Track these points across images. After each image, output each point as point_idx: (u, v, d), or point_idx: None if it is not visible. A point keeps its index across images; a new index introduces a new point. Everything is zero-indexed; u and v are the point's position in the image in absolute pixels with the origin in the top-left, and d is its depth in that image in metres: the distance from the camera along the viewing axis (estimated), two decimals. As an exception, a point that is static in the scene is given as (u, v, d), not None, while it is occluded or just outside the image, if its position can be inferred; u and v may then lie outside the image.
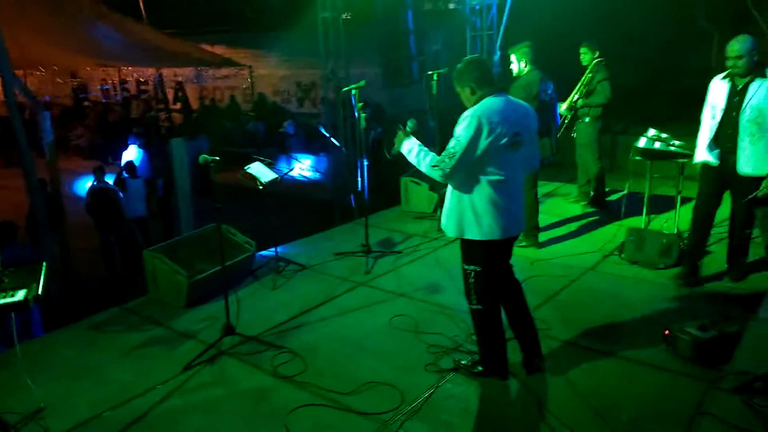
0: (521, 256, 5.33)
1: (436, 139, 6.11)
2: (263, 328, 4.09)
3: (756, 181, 4.06)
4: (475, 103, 3.10)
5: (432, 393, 3.30)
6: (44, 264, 2.73)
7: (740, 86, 4.07)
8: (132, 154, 9.51)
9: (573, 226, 6.08)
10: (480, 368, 3.43)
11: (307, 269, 5.19)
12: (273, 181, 4.71)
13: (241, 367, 3.65)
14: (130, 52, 14.32)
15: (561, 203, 6.94)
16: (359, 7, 13.03)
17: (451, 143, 3.04)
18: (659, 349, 3.60)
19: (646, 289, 4.49)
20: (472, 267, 3.23)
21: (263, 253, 5.37)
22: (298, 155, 12.52)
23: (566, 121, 6.47)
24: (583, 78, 6.28)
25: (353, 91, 5.09)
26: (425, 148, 3.23)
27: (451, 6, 12.63)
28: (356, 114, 5.19)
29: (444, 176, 3.08)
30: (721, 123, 4.18)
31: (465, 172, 3.07)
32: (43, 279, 2.58)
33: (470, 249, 3.22)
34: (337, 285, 4.85)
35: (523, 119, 3.16)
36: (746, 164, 4.06)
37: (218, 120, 16.88)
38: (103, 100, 19.95)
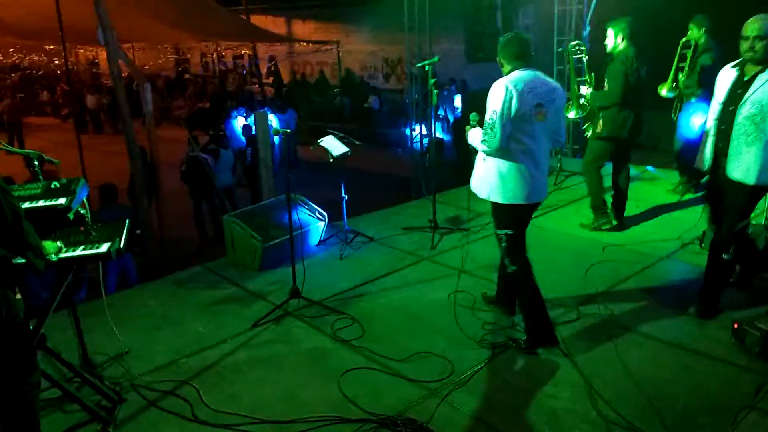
0: (592, 240, 5.22)
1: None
2: (327, 294, 4.30)
3: (743, 190, 3.49)
4: (507, 73, 3.35)
5: (481, 367, 3.37)
6: (127, 221, 3.04)
7: (748, 76, 3.46)
8: (239, 124, 10.20)
9: (653, 213, 5.83)
10: (528, 342, 3.51)
11: (374, 242, 5.36)
12: (344, 155, 4.88)
13: (304, 328, 3.89)
14: (227, 28, 14.98)
15: (644, 188, 6.65)
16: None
17: (488, 116, 3.27)
18: (726, 342, 3.46)
19: (722, 281, 4.27)
20: (504, 231, 3.48)
21: (335, 223, 5.59)
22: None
23: (675, 104, 6.18)
24: (687, 55, 5.95)
25: (427, 67, 5.12)
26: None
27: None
28: (429, 90, 5.23)
29: (491, 149, 3.31)
30: (718, 119, 3.62)
31: (505, 139, 3.26)
32: (126, 234, 2.89)
33: (500, 213, 3.48)
34: (402, 258, 4.99)
35: (549, 93, 3.34)
36: (735, 168, 3.48)
37: (307, 94, 17.40)
38: (202, 74, 21.06)
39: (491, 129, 3.25)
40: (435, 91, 5.18)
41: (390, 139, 13.79)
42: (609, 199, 5.51)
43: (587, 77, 5.51)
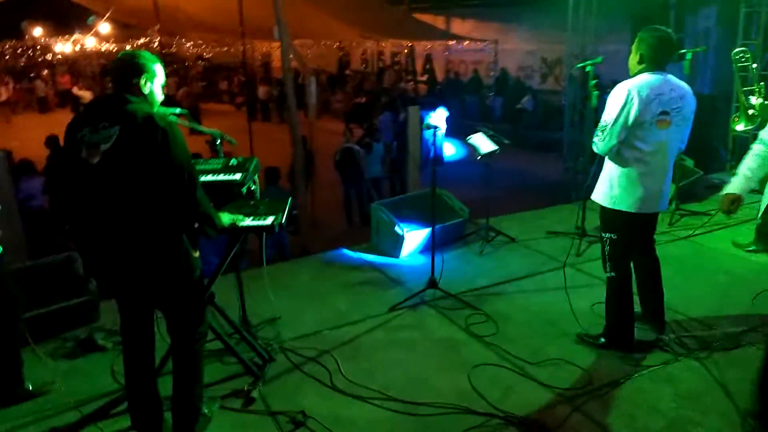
0: (762, 264, 4.70)
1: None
2: (463, 289, 4.35)
3: None
4: (634, 74, 3.18)
5: (621, 383, 3.21)
6: (289, 199, 3.34)
7: None
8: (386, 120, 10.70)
9: None
10: (603, 340, 3.50)
11: (515, 242, 5.29)
12: (492, 153, 4.87)
13: (438, 318, 3.98)
14: (388, 25, 15.56)
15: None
16: (617, -22, 12.06)
17: (603, 117, 3.15)
18: None
19: None
20: (608, 235, 3.38)
21: (476, 220, 5.59)
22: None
23: None
24: None
25: (588, 68, 4.93)
26: None
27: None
28: (588, 92, 5.02)
29: (598, 149, 3.25)
30: None
31: (617, 145, 3.15)
32: (287, 211, 3.17)
33: (606, 216, 3.35)
34: (543, 262, 4.87)
35: (677, 100, 3.15)
36: None
37: (459, 93, 17.45)
38: (361, 70, 22.01)
39: (602, 131, 3.16)
40: (596, 92, 4.96)
41: (542, 141, 13.42)
42: None
43: (755, 87, 5.00)
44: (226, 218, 2.86)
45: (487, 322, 3.89)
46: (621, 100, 3.08)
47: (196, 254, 2.63)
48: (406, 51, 20.08)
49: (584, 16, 8.84)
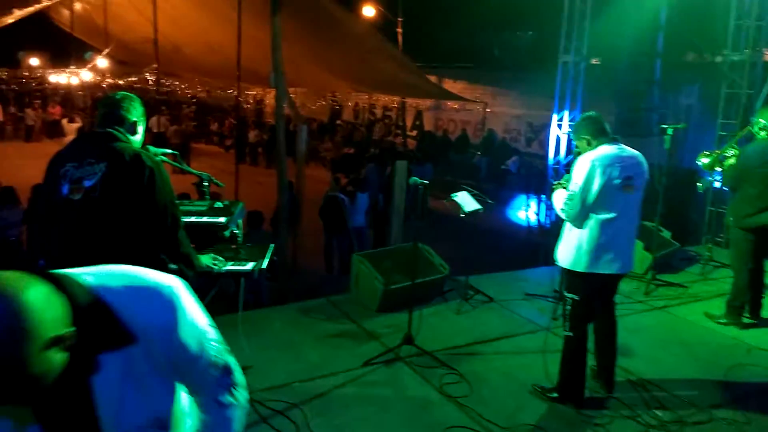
0: (736, 339, 4.74)
1: (659, 197, 5.80)
2: (439, 347, 4.30)
3: None
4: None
5: (592, 453, 3.17)
6: (271, 245, 3.33)
7: None
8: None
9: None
10: (555, 394, 3.62)
11: (493, 302, 5.29)
12: (475, 212, 4.93)
13: (413, 376, 3.92)
14: (380, 80, 15.94)
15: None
16: (607, 53, 12.60)
17: (570, 187, 3.35)
18: None
19: None
20: (571, 295, 3.53)
21: (455, 278, 5.60)
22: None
23: None
24: None
25: (573, 135, 5.08)
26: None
27: (719, 59, 11.66)
28: (574, 156, 5.17)
29: (568, 218, 3.43)
30: None
31: (584, 211, 3.36)
32: (268, 257, 3.16)
33: (571, 278, 3.49)
34: (521, 324, 4.87)
35: (636, 166, 3.43)
36: None
37: (447, 150, 17.80)
38: (352, 121, 22.40)
39: (571, 200, 3.36)
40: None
41: (525, 203, 13.63)
42: None
43: (737, 150, 5.28)
44: (205, 259, 2.85)
45: (461, 383, 3.84)
46: (585, 170, 3.31)
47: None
48: (397, 105, 20.51)
49: (573, 86, 9.17)
